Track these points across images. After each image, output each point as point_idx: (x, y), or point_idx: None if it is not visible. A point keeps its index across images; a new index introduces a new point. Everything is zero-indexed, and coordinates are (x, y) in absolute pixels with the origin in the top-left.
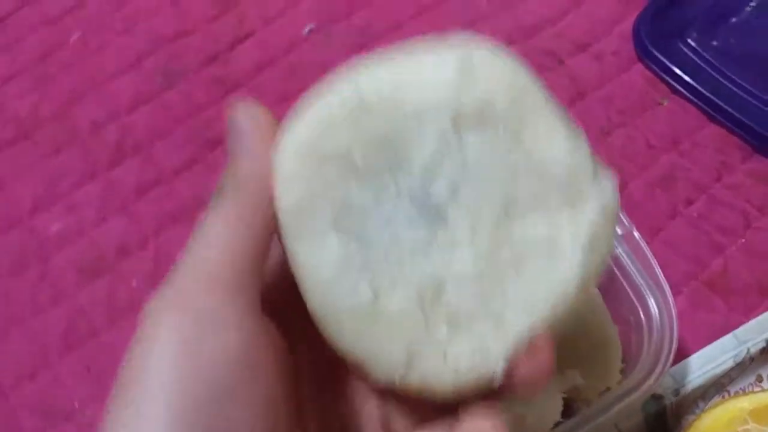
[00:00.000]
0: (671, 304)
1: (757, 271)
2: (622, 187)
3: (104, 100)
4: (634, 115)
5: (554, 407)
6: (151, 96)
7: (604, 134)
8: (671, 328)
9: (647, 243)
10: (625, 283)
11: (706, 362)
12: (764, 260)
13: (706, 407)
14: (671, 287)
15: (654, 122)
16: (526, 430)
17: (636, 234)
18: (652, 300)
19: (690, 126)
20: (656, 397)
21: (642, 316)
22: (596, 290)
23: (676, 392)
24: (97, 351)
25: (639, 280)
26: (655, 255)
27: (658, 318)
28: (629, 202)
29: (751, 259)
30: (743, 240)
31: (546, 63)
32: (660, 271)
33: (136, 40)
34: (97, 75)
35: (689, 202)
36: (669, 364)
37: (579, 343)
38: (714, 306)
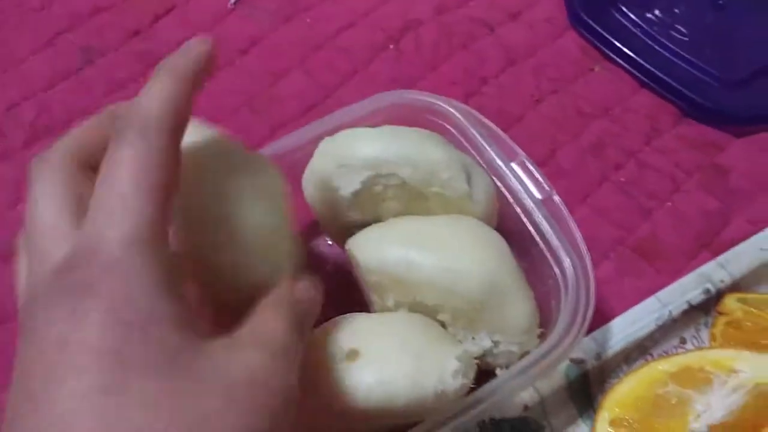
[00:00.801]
0: (588, 267)
1: (684, 234)
2: (552, 155)
3: (20, 80)
4: (566, 83)
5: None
6: (69, 74)
7: (535, 102)
8: (588, 290)
9: (575, 209)
10: (543, 247)
11: (628, 325)
12: (690, 223)
13: (629, 370)
14: (599, 253)
15: (586, 89)
16: (440, 402)
17: (556, 198)
18: (569, 263)
19: (622, 92)
20: (577, 362)
21: (559, 279)
22: (511, 257)
23: (598, 356)
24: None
25: (557, 244)
26: (583, 221)
27: (574, 280)
28: (558, 170)
29: (678, 222)
30: (670, 204)
31: (478, 31)
32: (579, 234)
33: (53, 17)
34: (13, 54)
35: (618, 168)
36: (586, 325)
37: (490, 310)
38: (641, 271)
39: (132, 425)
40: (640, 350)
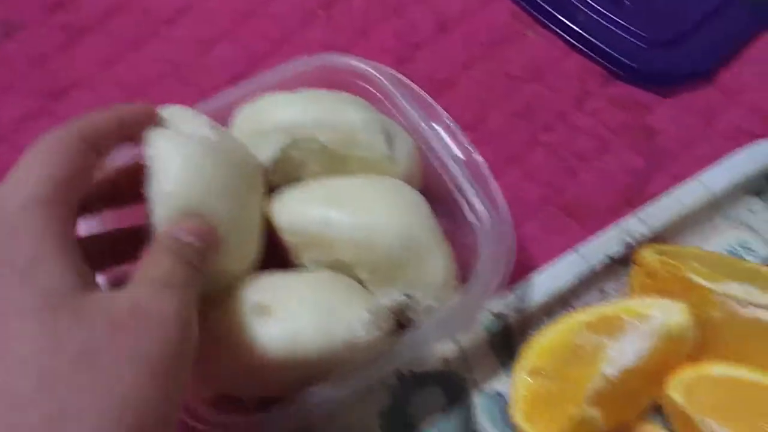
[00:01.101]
0: (508, 223)
1: (610, 192)
2: (482, 119)
3: None
4: (498, 48)
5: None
6: None
7: (466, 67)
8: (507, 245)
9: (504, 171)
10: (465, 206)
11: (550, 280)
12: (616, 181)
13: (550, 322)
14: (526, 212)
15: (517, 54)
16: (358, 352)
17: (478, 158)
18: (489, 219)
19: (553, 56)
20: (499, 316)
21: (479, 236)
22: (429, 213)
23: (520, 310)
24: None
25: (478, 202)
26: (512, 182)
27: (493, 236)
28: (489, 133)
29: (604, 181)
30: (598, 163)
31: None
32: (500, 192)
33: None
34: None
35: (547, 129)
36: (505, 278)
37: (407, 266)
38: (568, 229)
39: (18, 356)
40: (562, 303)
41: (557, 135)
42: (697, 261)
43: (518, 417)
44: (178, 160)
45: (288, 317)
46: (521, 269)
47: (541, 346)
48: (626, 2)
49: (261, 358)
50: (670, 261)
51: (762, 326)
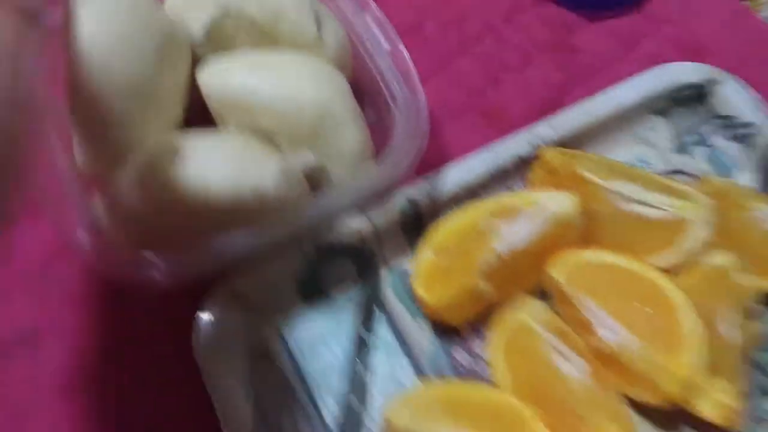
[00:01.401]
0: (423, 109)
1: (528, 102)
2: (418, 26)
3: None
4: None
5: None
6: None
7: None
8: (422, 127)
9: (433, 76)
10: (385, 92)
11: (462, 172)
12: (536, 93)
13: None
14: (449, 116)
15: None
16: (267, 203)
17: (401, 48)
18: (406, 104)
19: None
20: (411, 201)
21: (398, 123)
22: (348, 92)
23: (432, 197)
24: None
25: (396, 87)
26: (439, 87)
27: (406, 117)
28: (421, 39)
29: (524, 92)
30: (520, 76)
31: None
32: (418, 81)
33: None
34: None
35: (477, 40)
36: (417, 158)
37: (323, 137)
38: (488, 135)
39: None
40: (471, 195)
41: (485, 46)
42: (593, 163)
43: (418, 286)
44: (92, 16)
45: (200, 165)
46: (439, 166)
47: (446, 227)
48: None
49: (174, 204)
50: (568, 159)
51: (642, 221)
